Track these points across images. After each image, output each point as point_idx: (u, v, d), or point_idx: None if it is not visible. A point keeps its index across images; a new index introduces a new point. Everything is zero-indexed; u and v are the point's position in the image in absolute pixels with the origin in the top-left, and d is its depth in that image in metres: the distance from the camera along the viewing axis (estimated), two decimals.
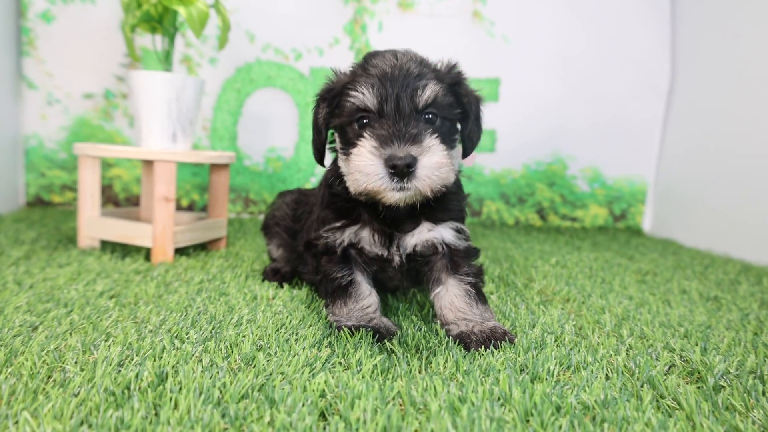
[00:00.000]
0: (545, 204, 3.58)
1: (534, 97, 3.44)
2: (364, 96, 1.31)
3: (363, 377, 1.16)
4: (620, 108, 3.52)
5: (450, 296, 1.50)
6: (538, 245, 2.95)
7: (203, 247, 2.39)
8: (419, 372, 1.22)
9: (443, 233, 1.53)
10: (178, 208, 3.28)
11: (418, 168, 1.23)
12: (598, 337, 1.50)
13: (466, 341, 1.38)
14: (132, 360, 1.16)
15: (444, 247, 1.53)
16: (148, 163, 2.43)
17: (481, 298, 1.52)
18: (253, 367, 1.18)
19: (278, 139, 3.28)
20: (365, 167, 1.25)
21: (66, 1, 2.96)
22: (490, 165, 3.49)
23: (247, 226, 3.02)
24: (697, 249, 3.09)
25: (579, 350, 1.38)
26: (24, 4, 2.92)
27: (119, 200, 3.21)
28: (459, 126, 1.51)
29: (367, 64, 1.41)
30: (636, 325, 1.62)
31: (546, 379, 1.21)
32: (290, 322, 1.48)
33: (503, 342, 1.38)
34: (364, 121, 1.34)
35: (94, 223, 2.19)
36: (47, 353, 1.17)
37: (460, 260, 1.55)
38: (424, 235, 1.52)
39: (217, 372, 1.12)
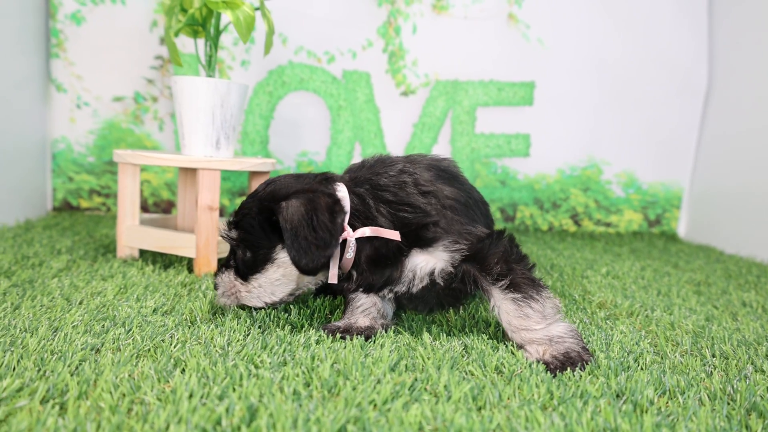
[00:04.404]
0: (579, 209, 3.51)
1: (569, 100, 3.37)
2: None
3: (458, 408, 1.09)
4: (656, 112, 3.44)
5: (503, 314, 1.41)
6: (577, 252, 2.88)
7: None
8: (511, 400, 1.15)
9: (430, 267, 1.46)
10: None
11: (217, 291, 1.58)
12: (681, 357, 1.44)
13: (547, 367, 1.32)
14: (212, 390, 1.09)
15: (445, 276, 1.46)
16: (186, 171, 2.36)
17: (531, 295, 1.38)
18: (336, 395, 1.12)
19: (310, 143, 3.21)
20: None
21: (96, 2, 2.89)
22: (524, 170, 3.42)
23: None
24: (739, 256, 3.02)
25: (668, 373, 1.31)
26: (54, 5, 2.85)
27: (148, 206, 3.14)
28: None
29: None
30: (714, 343, 1.56)
31: (647, 407, 1.14)
32: (357, 340, 1.41)
33: (579, 367, 1.30)
34: None
35: (134, 233, 2.12)
36: (121, 381, 1.10)
37: (483, 257, 1.43)
38: (415, 277, 1.48)
39: (307, 403, 1.05)
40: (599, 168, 3.47)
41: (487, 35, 3.25)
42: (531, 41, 3.29)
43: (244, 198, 3.11)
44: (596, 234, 3.50)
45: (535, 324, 1.37)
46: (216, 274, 1.58)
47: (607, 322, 1.72)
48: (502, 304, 1.41)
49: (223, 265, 1.58)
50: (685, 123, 3.45)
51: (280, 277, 1.50)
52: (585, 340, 1.51)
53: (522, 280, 1.41)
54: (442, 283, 1.48)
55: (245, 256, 1.50)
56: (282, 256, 1.47)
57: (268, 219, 1.45)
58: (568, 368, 1.29)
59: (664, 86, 3.42)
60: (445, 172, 1.63)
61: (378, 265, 1.48)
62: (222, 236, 1.55)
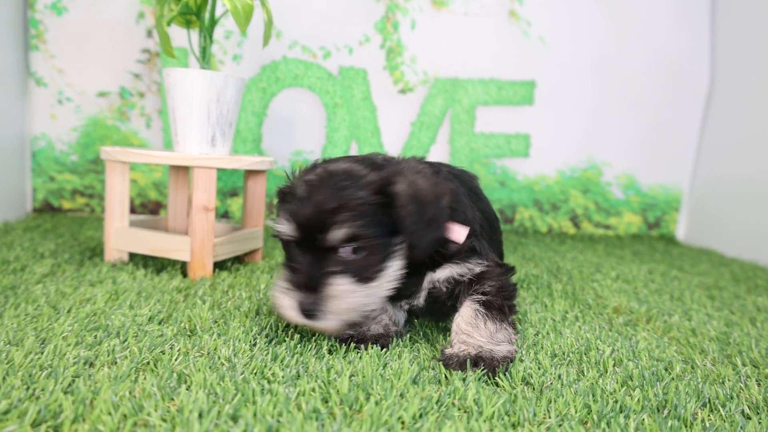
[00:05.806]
0: (579, 211, 3.45)
1: (570, 100, 3.31)
2: (284, 227, 1.28)
3: (492, 426, 1.00)
4: (657, 114, 3.40)
5: (458, 317, 1.35)
6: (580, 255, 2.82)
7: (239, 259, 2.21)
8: (546, 416, 1.06)
9: (446, 273, 1.40)
10: None
11: (326, 310, 1.23)
12: (712, 366, 1.37)
13: (447, 363, 1.24)
14: (223, 409, 0.98)
15: (449, 283, 1.40)
16: (177, 169, 2.24)
17: (493, 316, 1.32)
18: (359, 411, 1.02)
19: (304, 141, 3.10)
20: (281, 301, 1.27)
21: None
22: (524, 171, 3.35)
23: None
24: (741, 260, 2.99)
25: (704, 383, 1.24)
26: None
27: (134, 206, 3.00)
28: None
29: (297, 182, 1.32)
30: (741, 350, 1.50)
31: (691, 422, 1.07)
32: (374, 350, 1.32)
33: (482, 368, 1.21)
34: (289, 245, 1.31)
35: (123, 235, 1.99)
36: (121, 400, 0.99)
37: (482, 279, 1.39)
38: (426, 288, 1.42)
39: (330, 422, 0.95)
40: (599, 169, 3.42)
41: (487, 32, 3.17)
42: (532, 39, 3.22)
43: (239, 198, 3.01)
44: (596, 236, 3.45)
45: (478, 336, 1.30)
46: (322, 284, 1.22)
47: (627, 328, 1.65)
48: (464, 310, 1.35)
49: (315, 276, 1.23)
50: (687, 125, 3.42)
51: (393, 273, 1.29)
52: (609, 348, 1.44)
53: (496, 303, 1.36)
54: (444, 290, 1.41)
55: (354, 257, 1.23)
56: (398, 248, 1.28)
57: (383, 206, 1.24)
58: (470, 366, 1.21)
59: (665, 87, 3.38)
60: (471, 191, 1.57)
61: (413, 273, 1.37)
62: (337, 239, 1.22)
